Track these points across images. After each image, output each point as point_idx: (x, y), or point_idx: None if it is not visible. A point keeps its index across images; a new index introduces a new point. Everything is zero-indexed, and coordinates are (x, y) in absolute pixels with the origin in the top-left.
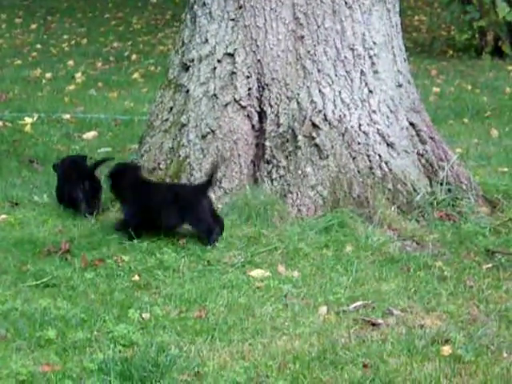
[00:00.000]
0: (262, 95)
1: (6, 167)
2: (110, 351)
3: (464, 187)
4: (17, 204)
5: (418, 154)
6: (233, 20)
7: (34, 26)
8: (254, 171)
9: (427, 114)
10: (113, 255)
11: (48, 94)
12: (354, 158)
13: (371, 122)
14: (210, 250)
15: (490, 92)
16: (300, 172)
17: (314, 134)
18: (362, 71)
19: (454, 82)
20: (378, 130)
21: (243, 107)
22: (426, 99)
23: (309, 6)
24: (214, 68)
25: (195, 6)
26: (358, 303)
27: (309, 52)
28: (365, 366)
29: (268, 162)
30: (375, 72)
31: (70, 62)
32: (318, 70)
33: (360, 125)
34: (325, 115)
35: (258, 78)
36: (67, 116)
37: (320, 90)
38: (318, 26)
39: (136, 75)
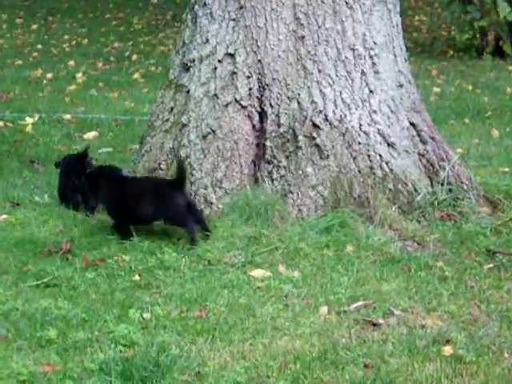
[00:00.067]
0: (262, 95)
1: (7, 167)
2: (111, 351)
3: (465, 187)
4: (18, 204)
5: (418, 154)
6: (233, 20)
7: (34, 27)
8: (255, 171)
9: (428, 114)
10: (113, 255)
11: (49, 95)
12: (354, 158)
13: (372, 122)
14: (211, 250)
15: (490, 92)
16: (301, 172)
17: (314, 134)
18: (362, 71)
19: (455, 82)
20: (378, 130)
21: (244, 107)
22: (426, 99)
23: (309, 6)
24: (215, 68)
25: (196, 7)
26: (359, 303)
27: (309, 52)
28: (366, 366)
29: (269, 162)
30: (376, 72)
31: (71, 63)
32: (319, 70)
33: (361, 125)
34: (325, 115)
35: (258, 78)
36: (68, 116)
37: (321, 90)
38: (319, 27)
39: (137, 75)
